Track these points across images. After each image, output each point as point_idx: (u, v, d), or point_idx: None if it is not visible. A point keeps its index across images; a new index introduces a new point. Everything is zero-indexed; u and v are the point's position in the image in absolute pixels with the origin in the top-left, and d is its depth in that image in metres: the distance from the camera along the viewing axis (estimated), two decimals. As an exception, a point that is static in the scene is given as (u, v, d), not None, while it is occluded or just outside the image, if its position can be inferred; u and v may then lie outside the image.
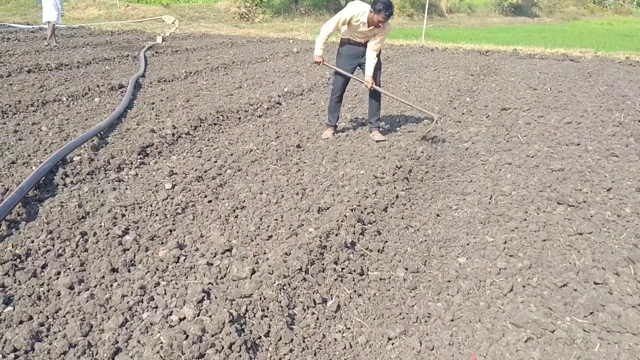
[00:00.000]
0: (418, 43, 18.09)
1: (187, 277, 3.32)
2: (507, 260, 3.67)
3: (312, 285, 3.21)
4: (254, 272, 3.29)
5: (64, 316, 2.87)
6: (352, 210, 4.18)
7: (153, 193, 4.55)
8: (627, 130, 6.77)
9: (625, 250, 3.71)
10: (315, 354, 2.70)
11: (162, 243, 3.77)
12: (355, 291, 3.29)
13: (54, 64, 10.45)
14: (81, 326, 2.73)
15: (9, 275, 3.20)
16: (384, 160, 5.49)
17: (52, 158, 4.85)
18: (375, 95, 6.34)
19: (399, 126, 7.04)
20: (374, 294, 3.30)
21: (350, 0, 5.93)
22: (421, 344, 2.84)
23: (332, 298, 3.17)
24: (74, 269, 3.33)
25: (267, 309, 2.90)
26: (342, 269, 3.45)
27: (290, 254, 3.46)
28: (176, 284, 3.22)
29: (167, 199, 4.44)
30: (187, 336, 2.57)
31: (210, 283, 3.24)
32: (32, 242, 3.61)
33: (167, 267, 3.43)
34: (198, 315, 2.83)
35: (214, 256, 3.61)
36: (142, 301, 3.04)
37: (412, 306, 3.22)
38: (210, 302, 2.97)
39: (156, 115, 7.12)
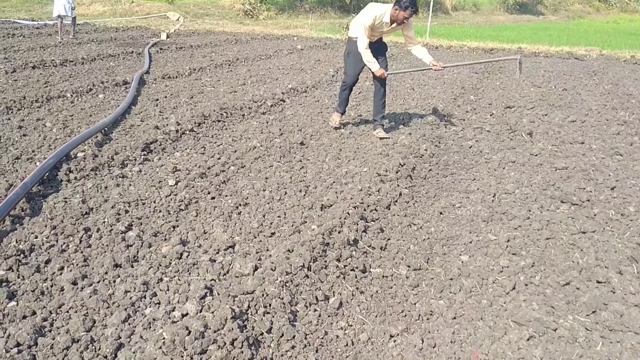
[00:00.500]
0: (422, 41, 18.04)
1: (189, 274, 3.32)
2: (510, 259, 3.67)
3: (314, 282, 3.21)
4: (256, 268, 3.30)
5: (67, 311, 2.88)
6: (355, 207, 4.18)
7: (156, 189, 4.56)
8: (632, 129, 6.75)
9: (628, 249, 3.71)
10: (317, 351, 2.71)
11: (165, 239, 3.78)
12: (357, 288, 3.29)
13: (58, 60, 10.47)
14: (84, 321, 2.74)
15: (12, 270, 3.22)
16: (387, 158, 5.49)
17: (56, 154, 4.87)
18: (380, 93, 6.36)
19: (403, 124, 7.03)
20: (376, 291, 3.30)
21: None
22: (423, 341, 2.84)
23: (334, 295, 3.17)
24: (77, 265, 3.34)
25: (270, 305, 2.90)
26: (345, 266, 3.45)
27: (292, 251, 3.46)
28: (179, 280, 3.23)
29: (170, 195, 4.45)
30: (190, 332, 2.57)
31: (212, 279, 3.24)
32: (36, 237, 3.62)
33: (170, 263, 3.43)
34: (200, 311, 2.83)
35: (217, 253, 3.61)
36: (145, 297, 3.04)
37: (415, 304, 3.22)
38: (212, 299, 2.98)
39: (160, 112, 7.13)
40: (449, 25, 29.14)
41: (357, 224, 3.94)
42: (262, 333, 2.72)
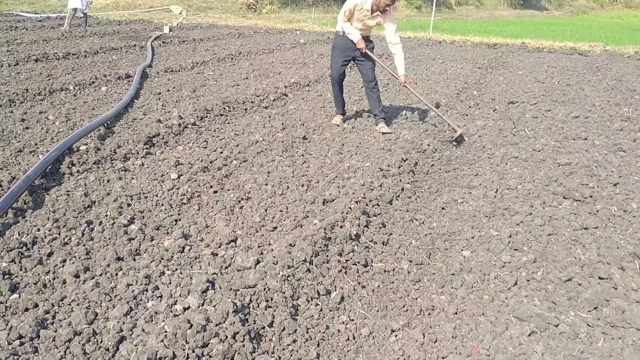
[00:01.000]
0: (426, 35, 18.01)
1: (191, 267, 3.33)
2: (512, 254, 3.67)
3: (316, 276, 3.21)
4: (258, 262, 3.30)
5: (69, 304, 2.89)
6: (357, 202, 4.17)
7: (159, 183, 4.56)
8: (635, 125, 6.73)
9: (630, 245, 3.70)
10: (318, 345, 2.71)
11: (168, 233, 3.78)
12: (359, 283, 3.30)
13: (61, 53, 10.47)
14: (86, 314, 2.75)
15: (15, 263, 3.23)
16: (389, 153, 5.48)
17: (59, 147, 4.87)
18: (370, 86, 6.35)
19: (405, 119, 7.01)
20: (378, 286, 3.30)
21: None
22: (424, 336, 2.84)
23: (336, 289, 3.17)
24: (79, 258, 3.35)
25: (271, 299, 2.91)
26: (347, 260, 3.45)
27: (294, 245, 3.46)
28: (181, 273, 3.24)
29: (172, 189, 4.46)
30: (191, 325, 2.58)
31: (214, 273, 3.25)
32: (38, 230, 3.63)
33: (172, 257, 3.44)
34: (202, 304, 2.84)
35: (219, 246, 3.62)
36: (147, 290, 3.05)
37: (416, 298, 3.23)
38: (214, 292, 2.98)
39: (162, 105, 7.13)
40: (452, 20, 29.05)
41: (359, 219, 3.94)
42: (264, 327, 2.72)
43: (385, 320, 2.99)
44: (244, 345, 2.55)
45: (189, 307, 2.82)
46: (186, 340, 2.50)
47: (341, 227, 3.78)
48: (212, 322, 2.65)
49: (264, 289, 2.95)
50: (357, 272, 3.39)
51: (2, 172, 4.50)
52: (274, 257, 3.30)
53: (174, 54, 11.73)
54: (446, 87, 9.16)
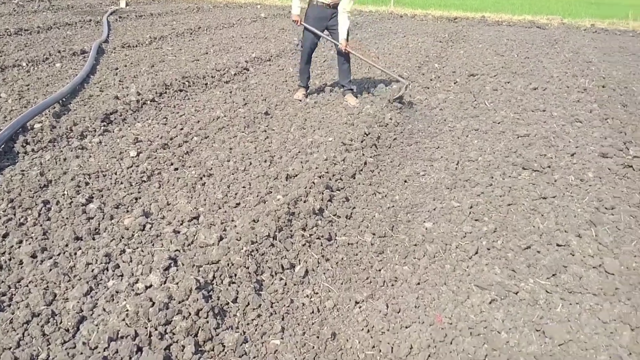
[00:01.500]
0: (387, 9, 17.93)
1: (153, 245, 3.28)
2: (473, 225, 3.73)
3: (280, 251, 3.21)
4: (221, 239, 3.28)
5: (27, 285, 2.82)
6: (320, 177, 4.17)
7: (117, 161, 4.46)
8: (591, 97, 6.88)
9: (587, 213, 3.81)
10: (283, 319, 2.72)
11: (128, 211, 3.72)
12: (323, 256, 3.31)
13: (13, 28, 10.05)
14: (44, 295, 2.68)
15: (-32, 246, 3.12)
16: (352, 127, 5.48)
17: (12, 125, 4.69)
18: (344, 58, 6.34)
19: (368, 92, 7.01)
20: (342, 259, 3.32)
21: None
22: (388, 307, 2.88)
23: (300, 263, 3.17)
24: (36, 238, 3.25)
25: (235, 275, 2.90)
26: (310, 235, 3.45)
27: (258, 221, 3.45)
28: (142, 251, 3.19)
29: (132, 166, 4.37)
30: (154, 303, 2.55)
31: (177, 250, 3.21)
32: (-8, 211, 3.51)
33: (132, 235, 3.38)
34: (165, 282, 2.81)
35: (181, 224, 3.57)
36: (107, 269, 3.00)
37: (379, 270, 3.26)
38: (177, 269, 2.95)
39: (120, 81, 6.95)
40: (414, -6, 28.97)
41: (323, 194, 3.94)
42: (228, 303, 2.71)
43: (349, 292, 3.02)
44: (207, 322, 2.54)
45: (150, 285, 2.79)
46: (148, 319, 2.47)
47: (305, 202, 3.78)
48: (174, 299, 2.63)
49: (228, 265, 2.93)
50: (321, 245, 3.40)
51: (-48, 152, 4.34)
52: (237, 233, 3.28)
53: (130, 29, 11.40)
54: (408, 60, 9.17)
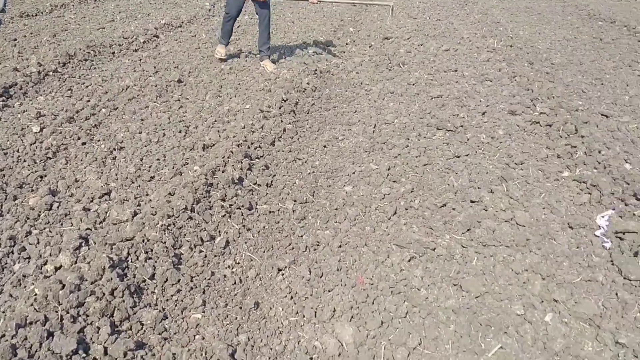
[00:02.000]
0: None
1: (62, 224, 3.10)
2: (391, 186, 3.78)
3: (199, 223, 3.12)
4: (135, 214, 3.14)
5: None
6: (238, 145, 4.07)
7: (19, 137, 4.16)
8: (500, 56, 7.09)
9: (498, 169, 3.94)
10: (204, 292, 2.65)
11: (32, 190, 3.49)
12: (244, 226, 3.25)
13: None
14: (-60, 286, 2.48)
15: None
16: (269, 94, 5.38)
17: None
18: (264, 23, 6.20)
19: (284, 57, 6.90)
20: (263, 227, 3.28)
21: None
22: (310, 272, 2.88)
23: (220, 235, 3.10)
24: None
25: (151, 250, 2.79)
26: (230, 205, 3.38)
27: (174, 193, 3.33)
28: (50, 232, 3.01)
29: (35, 143, 4.09)
30: (64, 285, 2.41)
31: (88, 228, 3.06)
32: None
33: (39, 215, 3.18)
34: (75, 262, 2.67)
35: (91, 201, 3.40)
36: (12, 252, 2.82)
37: (301, 236, 3.25)
38: (88, 249, 2.81)
39: (19, 52, 6.44)
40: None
41: (242, 162, 3.86)
42: (145, 280, 2.61)
43: (272, 260, 2.99)
44: (123, 301, 2.43)
45: (60, 267, 2.64)
46: (59, 302, 2.34)
47: (223, 171, 3.69)
48: (87, 280, 2.50)
49: (143, 241, 2.82)
50: (242, 215, 3.34)
51: None
52: (152, 207, 3.16)
53: (28, -5, 10.60)
54: (323, 25, 9.09)
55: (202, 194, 3.35)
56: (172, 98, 5.27)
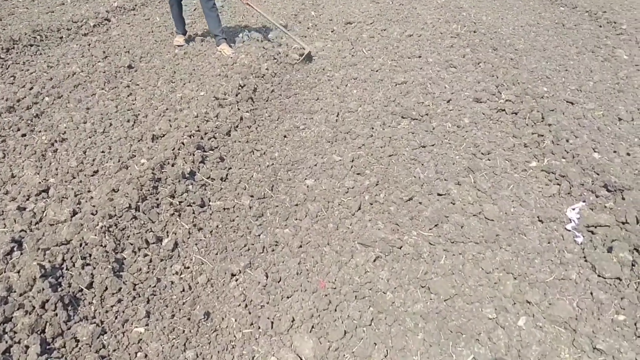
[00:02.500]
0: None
1: (-9, 227, 2.80)
2: (355, 179, 3.57)
3: (144, 223, 2.85)
4: (75, 214, 2.86)
5: None
6: (190, 136, 3.80)
7: (-51, 129, 3.81)
8: (464, 41, 6.94)
9: (465, 160, 3.78)
10: (148, 302, 2.40)
11: (-40, 188, 3.16)
12: (195, 225, 3.00)
13: None
14: None
15: None
16: (226, 80, 5.09)
17: None
18: (208, 5, 5.86)
19: (242, 42, 6.60)
20: (217, 227, 3.04)
21: None
22: (267, 276, 2.65)
23: (168, 236, 2.85)
24: None
25: (90, 255, 2.52)
26: (180, 202, 3.12)
27: (118, 190, 3.05)
28: (-23, 236, 2.71)
29: (-33, 134, 3.75)
30: (-13, 300, 2.14)
31: (22, 230, 2.77)
32: None
33: (-35, 217, 2.87)
34: (4, 271, 2.38)
35: (27, 199, 3.10)
36: None
37: (259, 235, 3.02)
38: (20, 254, 2.52)
39: (-45, 37, 5.99)
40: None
41: (194, 154, 3.59)
42: (81, 289, 2.35)
43: (225, 263, 2.75)
44: (56, 315, 2.17)
45: (-15, 277, 2.35)
46: (-21, 320, 2.06)
47: (173, 165, 3.42)
48: (15, 291, 2.23)
49: (80, 245, 2.55)
50: (193, 213, 3.08)
51: None
52: (93, 206, 2.88)
53: (-31, -25, 9.97)
54: (284, 8, 8.79)
55: (149, 190, 3.08)
56: (121, 84, 4.94)
